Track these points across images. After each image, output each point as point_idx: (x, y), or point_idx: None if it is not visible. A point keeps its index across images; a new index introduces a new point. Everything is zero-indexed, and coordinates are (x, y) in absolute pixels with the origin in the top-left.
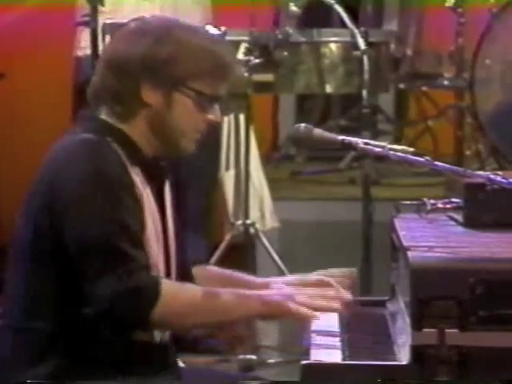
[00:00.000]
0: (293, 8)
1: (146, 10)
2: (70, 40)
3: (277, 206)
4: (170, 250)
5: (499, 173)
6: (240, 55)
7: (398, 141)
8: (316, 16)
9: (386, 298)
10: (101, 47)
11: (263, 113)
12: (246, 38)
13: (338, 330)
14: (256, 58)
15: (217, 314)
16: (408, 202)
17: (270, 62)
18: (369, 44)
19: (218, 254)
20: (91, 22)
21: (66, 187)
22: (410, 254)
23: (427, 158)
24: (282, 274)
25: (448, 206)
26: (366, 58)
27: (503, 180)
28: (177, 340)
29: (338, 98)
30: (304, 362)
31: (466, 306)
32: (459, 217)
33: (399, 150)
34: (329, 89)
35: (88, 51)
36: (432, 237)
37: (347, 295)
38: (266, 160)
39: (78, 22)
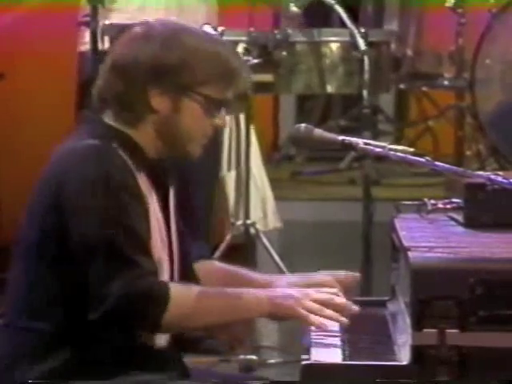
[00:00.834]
0: (293, 8)
1: (151, 9)
2: (70, 40)
3: (277, 206)
4: (173, 255)
5: (499, 173)
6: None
7: (398, 141)
8: (316, 16)
9: (386, 298)
10: (100, 46)
11: (263, 113)
12: (244, 39)
13: (338, 330)
14: (255, 58)
15: (226, 314)
16: (408, 203)
17: (270, 62)
18: (369, 44)
19: (218, 254)
20: (91, 21)
21: (73, 191)
22: (410, 254)
23: (427, 158)
24: (281, 273)
25: (448, 206)
26: (366, 58)
27: (503, 180)
28: (177, 341)
29: (338, 98)
30: (304, 362)
31: (466, 307)
32: (459, 217)
33: (399, 150)
34: (329, 89)
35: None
36: (432, 237)
37: (355, 308)
38: (266, 160)
39: (80, 21)
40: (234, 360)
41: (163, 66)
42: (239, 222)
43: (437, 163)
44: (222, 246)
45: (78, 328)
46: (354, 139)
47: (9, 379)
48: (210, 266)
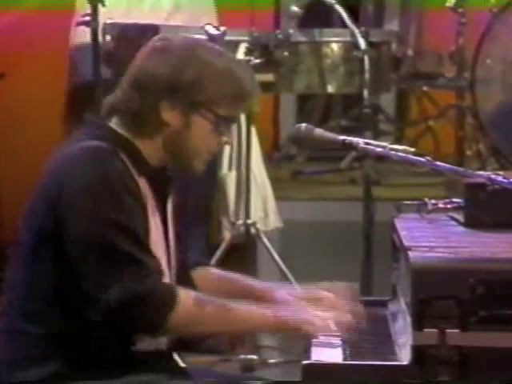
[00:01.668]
0: (294, 8)
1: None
2: (70, 40)
3: (278, 206)
4: (171, 261)
5: (500, 173)
6: (240, 55)
7: (398, 141)
8: (317, 16)
9: (386, 298)
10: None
11: (264, 113)
12: (246, 38)
13: None
14: (256, 58)
15: (230, 324)
16: (409, 202)
17: (271, 62)
18: (369, 44)
19: (218, 253)
20: (92, 21)
21: (71, 192)
22: (410, 254)
23: (428, 158)
24: (282, 273)
25: (449, 206)
26: (366, 58)
27: (504, 180)
28: (177, 340)
29: (338, 98)
30: (305, 361)
31: (467, 306)
32: (460, 217)
33: (400, 150)
34: (329, 89)
35: (84, 39)
36: (433, 237)
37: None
38: (266, 160)
39: (79, 22)
40: (234, 360)
41: (178, 82)
42: (240, 222)
43: (437, 163)
44: (223, 246)
45: (76, 330)
46: (354, 139)
47: (6, 381)
48: (207, 273)
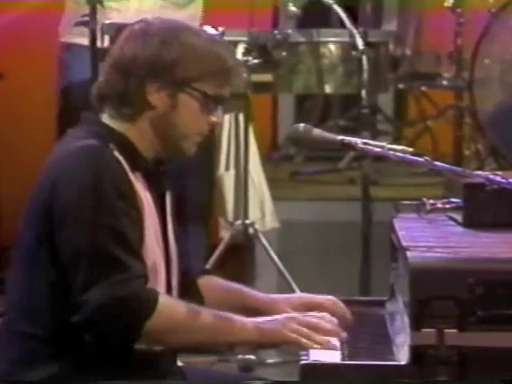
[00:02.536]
0: (292, 8)
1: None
2: None
3: (276, 206)
4: (170, 256)
5: (498, 173)
6: (239, 55)
7: (397, 141)
8: (315, 16)
9: (385, 298)
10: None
11: (262, 113)
12: (244, 39)
13: None
14: (255, 58)
15: (209, 335)
16: (407, 202)
17: (269, 62)
18: (368, 44)
19: (217, 253)
20: (91, 21)
21: (64, 194)
22: (409, 254)
23: (426, 158)
24: (280, 273)
25: (447, 206)
26: (365, 58)
27: (502, 180)
28: None
29: (337, 98)
30: (303, 362)
31: (466, 306)
32: (458, 217)
33: (398, 150)
34: (328, 89)
35: (75, 39)
36: (431, 237)
37: (342, 334)
38: (265, 160)
39: (77, 22)
40: (232, 360)
41: (161, 62)
42: (238, 222)
43: (436, 163)
44: (221, 246)
45: (70, 333)
46: (353, 139)
47: (5, 381)
48: (211, 282)
